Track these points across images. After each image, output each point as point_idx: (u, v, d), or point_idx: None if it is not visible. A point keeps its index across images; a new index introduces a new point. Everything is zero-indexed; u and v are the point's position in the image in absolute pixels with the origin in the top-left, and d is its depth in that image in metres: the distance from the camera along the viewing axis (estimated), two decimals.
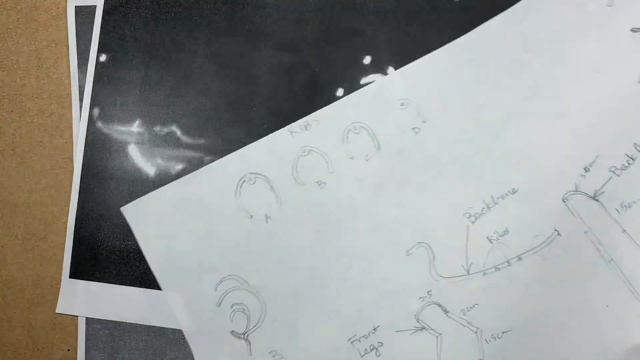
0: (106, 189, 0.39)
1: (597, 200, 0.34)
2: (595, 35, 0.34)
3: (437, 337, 0.35)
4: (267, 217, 0.37)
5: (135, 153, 0.39)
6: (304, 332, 0.36)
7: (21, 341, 0.40)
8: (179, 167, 0.39)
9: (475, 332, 0.34)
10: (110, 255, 0.39)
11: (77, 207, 0.39)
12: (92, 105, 0.39)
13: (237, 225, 0.37)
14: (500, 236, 0.35)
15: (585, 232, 0.34)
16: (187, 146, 0.39)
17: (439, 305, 0.35)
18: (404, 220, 0.36)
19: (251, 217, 0.37)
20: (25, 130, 0.41)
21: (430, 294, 0.35)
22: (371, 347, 0.36)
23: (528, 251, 0.35)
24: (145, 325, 0.39)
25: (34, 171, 0.40)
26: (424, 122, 0.36)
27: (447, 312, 0.35)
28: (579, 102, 0.35)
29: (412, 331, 0.35)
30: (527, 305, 0.34)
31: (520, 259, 0.35)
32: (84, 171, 0.39)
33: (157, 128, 0.39)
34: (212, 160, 0.38)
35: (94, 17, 0.40)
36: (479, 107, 0.36)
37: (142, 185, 0.39)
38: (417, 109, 0.37)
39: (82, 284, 0.39)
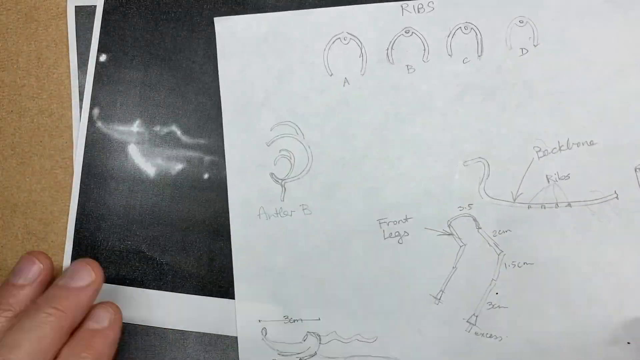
0: (106, 189, 0.39)
1: None
2: None
3: (460, 247, 0.36)
4: (346, 80, 0.38)
5: (135, 153, 0.39)
6: (339, 198, 0.38)
7: None
8: (180, 166, 0.39)
9: (499, 255, 0.36)
10: (110, 256, 0.40)
11: (77, 208, 0.39)
12: (92, 106, 0.39)
13: (314, 77, 0.38)
14: (560, 179, 0.35)
15: None
16: (188, 146, 0.39)
17: (475, 219, 0.36)
18: (474, 131, 0.36)
19: (331, 75, 0.38)
20: (25, 130, 0.40)
21: (470, 207, 0.36)
22: (396, 234, 0.37)
23: (580, 201, 0.35)
24: (145, 326, 0.39)
25: (34, 171, 0.40)
26: (535, 45, 0.36)
27: (480, 228, 0.36)
28: None
29: (440, 233, 0.36)
30: (557, 249, 0.35)
31: (569, 205, 0.35)
32: (84, 171, 0.39)
33: (157, 128, 0.39)
34: (213, 160, 0.39)
35: (94, 17, 0.39)
36: (596, 51, 0.35)
37: (143, 185, 0.39)
38: (534, 31, 0.36)
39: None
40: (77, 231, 0.40)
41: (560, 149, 0.35)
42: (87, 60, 0.40)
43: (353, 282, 0.37)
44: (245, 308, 0.38)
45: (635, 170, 0.35)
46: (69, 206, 0.40)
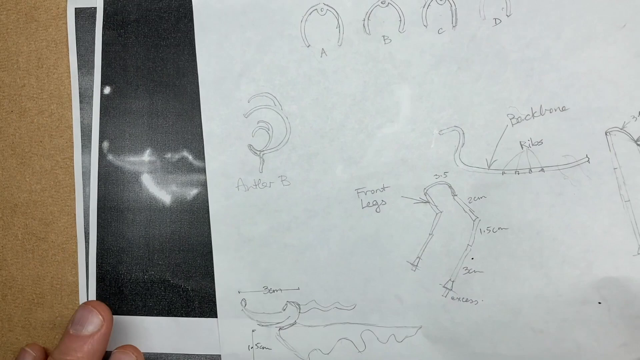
0: (124, 221, 0.40)
1: (638, 144, 0.35)
2: None
3: (437, 214, 0.37)
4: (323, 51, 0.38)
5: (149, 182, 0.40)
6: (317, 168, 0.38)
7: (21, 341, 0.41)
8: (195, 191, 0.40)
9: (474, 220, 0.36)
10: (135, 288, 0.40)
11: (97, 243, 0.40)
12: (101, 139, 0.40)
13: (292, 49, 0.38)
14: (533, 145, 0.36)
15: (614, 169, 0.35)
16: (201, 170, 0.39)
17: (450, 187, 0.37)
18: (450, 100, 0.37)
19: (308, 46, 0.38)
20: (25, 130, 0.40)
21: (446, 175, 0.37)
22: (374, 202, 0.37)
23: (553, 166, 0.36)
24: (177, 354, 0.40)
25: (34, 171, 0.40)
26: (508, 15, 0.36)
27: (455, 195, 0.37)
28: None
29: (416, 201, 0.37)
30: (531, 213, 0.36)
31: (543, 170, 0.36)
32: (100, 206, 0.40)
33: (169, 155, 0.40)
34: None
35: (93, 18, 0.39)
36: (567, 18, 0.36)
37: (160, 214, 0.39)
38: (506, 1, 0.36)
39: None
40: (99, 266, 0.40)
41: (533, 116, 0.36)
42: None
43: (332, 251, 0.38)
44: (224, 279, 0.38)
45: (606, 134, 0.36)
46: (69, 206, 0.40)
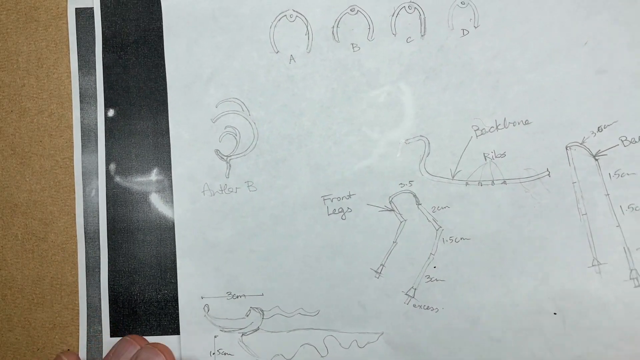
0: (134, 242, 0.40)
1: (596, 159, 0.36)
2: None
3: (401, 222, 0.37)
4: (292, 57, 0.38)
5: (157, 201, 0.40)
6: (284, 174, 0.38)
7: (21, 341, 0.41)
8: None
9: (437, 230, 0.37)
10: (149, 308, 0.40)
11: (109, 265, 0.40)
12: (108, 162, 0.40)
13: (261, 54, 0.38)
14: (496, 157, 0.37)
15: (573, 183, 0.36)
16: None
17: (415, 195, 0.37)
18: (417, 110, 0.37)
19: (277, 52, 0.38)
20: (25, 130, 0.40)
21: (411, 184, 0.37)
22: (340, 210, 0.38)
23: (515, 179, 0.36)
24: None
25: (34, 171, 0.40)
26: (475, 27, 0.37)
27: (420, 204, 0.37)
28: (622, 63, 0.35)
29: (382, 209, 0.37)
30: (493, 224, 0.37)
31: (504, 182, 0.37)
32: (110, 227, 0.40)
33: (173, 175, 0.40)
34: None
35: (93, 19, 0.40)
36: (533, 33, 0.36)
37: (170, 233, 0.40)
38: (475, 12, 0.37)
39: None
40: (111, 288, 0.40)
41: (497, 128, 0.37)
42: (88, 63, 0.40)
43: (297, 257, 0.38)
44: (187, 284, 0.39)
45: (566, 149, 0.36)
46: (69, 206, 0.40)
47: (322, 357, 0.38)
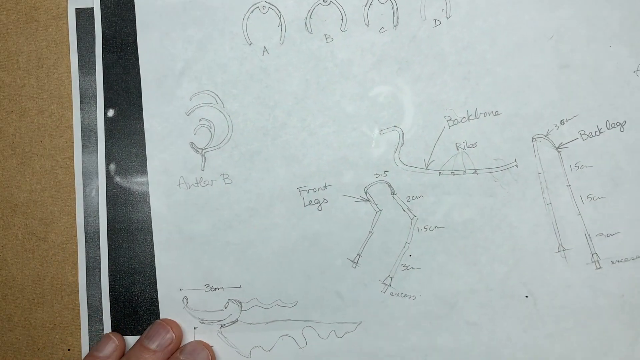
0: (134, 242, 0.40)
1: (559, 151, 0.38)
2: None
3: (376, 212, 0.38)
4: (265, 49, 0.38)
5: None
6: (260, 166, 0.38)
7: (21, 341, 0.41)
8: None
9: (412, 219, 0.38)
10: (150, 307, 0.40)
11: (109, 265, 0.40)
12: (108, 162, 0.40)
13: (234, 47, 0.38)
14: (468, 147, 0.38)
15: (538, 173, 0.38)
16: None
17: (390, 186, 0.38)
18: (390, 101, 0.38)
19: (250, 44, 0.38)
20: (25, 130, 0.41)
21: (386, 174, 0.38)
22: (316, 201, 0.38)
23: (485, 169, 0.38)
24: None
25: (34, 171, 0.41)
26: (448, 17, 0.38)
27: (395, 194, 0.38)
28: (582, 59, 0.37)
29: (357, 200, 0.38)
30: (465, 212, 0.38)
31: (476, 172, 0.38)
32: (110, 227, 0.40)
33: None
34: None
35: (93, 19, 0.40)
36: (502, 25, 0.37)
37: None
38: (447, 3, 0.38)
39: (125, 340, 0.40)
40: (111, 288, 0.40)
41: (469, 119, 0.38)
42: (88, 63, 0.40)
43: (274, 249, 0.38)
44: (166, 277, 0.38)
45: (532, 140, 0.38)
46: (69, 206, 0.40)
47: (300, 348, 0.39)
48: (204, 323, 0.39)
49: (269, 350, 0.39)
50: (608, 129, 0.37)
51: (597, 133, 0.37)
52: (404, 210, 0.38)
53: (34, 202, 0.41)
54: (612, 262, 0.38)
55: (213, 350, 0.39)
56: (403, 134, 0.38)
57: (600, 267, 0.38)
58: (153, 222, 0.39)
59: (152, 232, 0.39)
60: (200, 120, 0.39)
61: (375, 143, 0.38)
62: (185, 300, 0.39)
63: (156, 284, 0.39)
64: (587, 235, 0.38)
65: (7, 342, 0.41)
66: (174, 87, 0.39)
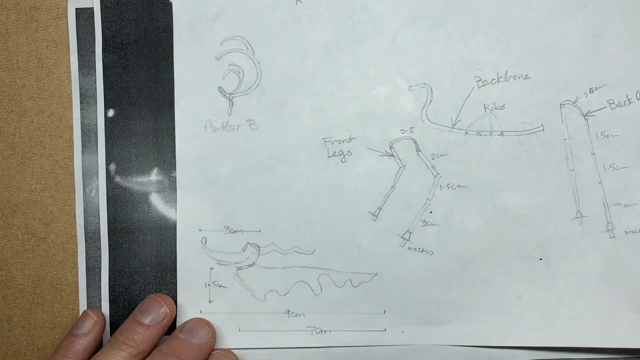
0: (135, 241, 0.40)
1: (586, 119, 0.38)
2: None
3: (400, 168, 0.38)
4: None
5: (158, 201, 0.40)
6: (286, 115, 0.39)
7: (21, 341, 0.41)
8: None
9: (435, 176, 0.38)
10: None
11: (109, 265, 0.40)
12: (108, 162, 0.40)
13: None
14: (496, 108, 0.38)
15: (564, 139, 0.38)
16: None
17: (415, 142, 0.38)
18: (421, 57, 0.39)
19: None
20: (25, 130, 0.41)
21: (412, 130, 0.38)
22: (340, 153, 0.39)
23: (512, 131, 0.38)
24: None
25: (34, 171, 0.41)
26: None
27: (419, 150, 0.38)
28: (615, 29, 0.37)
29: (382, 154, 0.39)
30: (489, 174, 0.38)
31: (502, 134, 0.38)
32: (110, 228, 0.40)
33: (176, 173, 0.40)
34: None
35: (93, 19, 0.40)
36: None
37: (170, 232, 0.40)
38: None
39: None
40: (111, 288, 0.40)
41: (498, 80, 0.38)
42: (88, 63, 0.40)
43: (295, 196, 0.39)
44: (186, 216, 0.39)
45: (561, 106, 0.38)
46: (69, 206, 0.41)
47: (315, 295, 0.39)
48: (221, 264, 0.39)
49: (284, 295, 0.39)
50: (638, 99, 0.38)
51: (627, 103, 0.38)
52: (428, 168, 0.39)
53: (33, 202, 0.41)
54: (626, 233, 0.38)
55: (214, 327, 0.39)
56: (432, 91, 0.39)
57: (614, 237, 0.38)
58: (177, 162, 0.39)
59: (152, 233, 0.40)
60: (229, 65, 0.39)
61: (404, 99, 0.39)
62: (203, 240, 0.39)
63: (156, 284, 0.40)
64: (605, 204, 0.38)
65: (7, 342, 0.42)
66: (206, 31, 0.39)
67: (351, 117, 0.39)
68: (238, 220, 0.39)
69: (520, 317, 0.39)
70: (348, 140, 0.39)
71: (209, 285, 0.39)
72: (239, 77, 0.39)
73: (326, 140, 0.39)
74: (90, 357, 0.38)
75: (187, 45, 0.39)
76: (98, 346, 0.39)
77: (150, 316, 0.37)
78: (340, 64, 0.39)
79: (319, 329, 0.39)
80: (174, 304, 0.39)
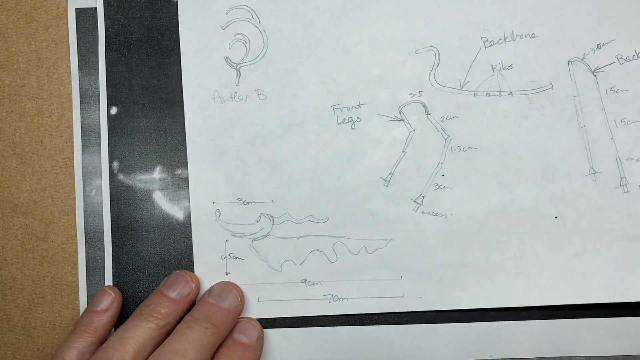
0: (138, 239, 0.40)
1: (595, 75, 0.38)
2: None
3: (410, 132, 0.38)
4: None
5: (161, 199, 0.40)
6: (294, 83, 0.39)
7: (21, 341, 0.41)
8: None
9: (446, 139, 0.38)
10: None
11: (113, 263, 0.40)
12: (111, 160, 0.40)
13: None
14: (504, 69, 0.38)
15: (574, 97, 0.38)
16: None
17: (424, 105, 0.38)
18: (427, 20, 0.39)
19: None
20: (25, 131, 0.41)
21: (421, 94, 0.38)
22: (349, 119, 0.39)
23: (520, 90, 0.38)
24: None
25: (34, 171, 0.41)
26: None
27: (429, 114, 0.38)
28: None
29: (391, 119, 0.38)
30: (499, 133, 0.38)
31: (511, 94, 0.38)
32: (114, 225, 0.40)
33: (179, 171, 0.40)
34: None
35: (94, 19, 0.40)
36: None
37: (174, 230, 0.40)
38: None
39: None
40: (115, 286, 0.40)
41: (505, 40, 0.38)
42: (88, 62, 0.41)
43: (306, 165, 0.39)
44: (199, 190, 0.39)
45: (569, 64, 0.38)
46: (69, 206, 0.41)
47: (331, 263, 0.39)
48: (236, 236, 0.39)
49: (300, 264, 0.39)
50: None
51: (635, 57, 0.38)
52: (438, 130, 0.39)
53: (33, 202, 0.41)
54: None
55: (242, 290, 0.39)
56: (439, 54, 0.39)
57: (627, 191, 0.38)
58: (187, 135, 0.39)
59: (155, 230, 0.40)
60: (235, 34, 0.39)
61: (411, 62, 0.39)
62: (217, 213, 0.39)
63: (160, 282, 0.40)
64: (618, 159, 0.38)
65: (7, 342, 0.42)
66: (211, 0, 0.39)
67: (359, 83, 0.39)
68: (250, 191, 0.39)
69: (538, 276, 0.39)
70: (357, 107, 0.39)
71: (225, 257, 0.39)
72: (245, 46, 0.39)
73: (335, 107, 0.39)
74: (109, 334, 0.37)
75: (192, 15, 0.39)
76: (116, 323, 0.39)
77: (177, 290, 0.38)
78: (346, 30, 0.39)
79: (336, 297, 0.39)
80: (198, 280, 0.39)
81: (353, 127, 0.39)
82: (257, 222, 0.39)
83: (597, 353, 0.39)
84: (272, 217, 0.39)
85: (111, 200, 0.40)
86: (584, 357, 0.39)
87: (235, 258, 0.39)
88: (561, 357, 0.39)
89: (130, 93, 0.40)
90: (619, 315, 0.39)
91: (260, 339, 0.38)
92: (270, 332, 0.39)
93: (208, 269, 0.39)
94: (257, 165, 0.39)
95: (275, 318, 0.39)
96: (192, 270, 0.40)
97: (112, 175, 0.40)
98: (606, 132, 0.38)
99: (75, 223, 0.41)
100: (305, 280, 0.39)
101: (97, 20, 0.40)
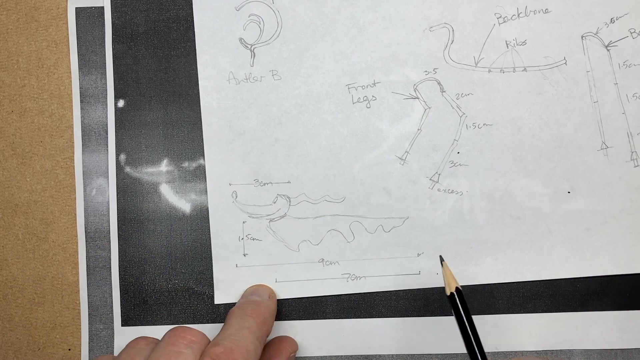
0: (145, 232, 0.42)
1: (608, 50, 0.40)
2: None
3: (425, 110, 0.40)
4: None
5: (168, 192, 0.42)
6: (308, 63, 0.40)
7: (22, 341, 0.43)
8: None
9: (461, 116, 0.40)
10: (159, 297, 0.42)
11: (119, 255, 0.42)
12: (118, 152, 0.42)
13: None
14: (518, 45, 0.40)
15: (587, 71, 0.40)
16: None
17: (439, 83, 0.40)
18: None
19: None
20: (26, 131, 0.42)
21: (435, 71, 0.40)
22: (364, 98, 0.40)
23: (534, 66, 0.40)
24: None
25: (34, 171, 0.42)
26: None
27: (444, 91, 0.40)
28: None
29: (406, 97, 0.40)
30: (514, 110, 0.40)
31: (525, 70, 0.40)
32: (120, 218, 0.42)
33: (186, 164, 0.42)
34: None
35: (94, 19, 0.42)
36: None
37: (180, 223, 0.42)
38: None
39: (135, 330, 0.42)
40: (122, 278, 0.42)
41: (518, 16, 0.39)
42: (88, 62, 0.42)
43: (322, 145, 0.40)
44: (215, 171, 0.40)
45: (582, 38, 0.39)
46: (69, 206, 0.42)
47: (348, 242, 0.41)
48: (253, 217, 0.41)
49: (317, 244, 0.41)
50: None
51: None
52: (453, 108, 0.40)
53: (34, 202, 0.43)
54: None
55: (273, 290, 0.41)
56: (453, 31, 0.40)
57: (638, 165, 0.40)
58: (203, 117, 0.41)
59: (162, 223, 0.42)
60: (249, 15, 0.40)
61: (425, 40, 0.40)
62: (234, 194, 0.40)
63: (166, 274, 0.42)
64: (629, 134, 0.40)
65: (8, 342, 0.43)
66: None
67: (374, 62, 0.40)
68: (267, 172, 0.41)
69: (551, 250, 0.41)
70: (372, 85, 0.40)
71: (242, 238, 0.41)
72: (259, 27, 0.40)
73: (350, 86, 0.40)
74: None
75: None
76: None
77: (262, 296, 0.40)
78: (360, 9, 0.40)
79: (354, 276, 0.41)
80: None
81: (368, 105, 0.40)
82: (274, 203, 0.41)
83: (602, 346, 0.42)
84: (288, 197, 0.41)
85: (118, 193, 0.42)
86: (588, 350, 0.41)
87: (253, 239, 0.41)
88: (565, 349, 0.41)
89: (137, 86, 0.42)
90: (625, 308, 0.42)
91: (273, 298, 0.41)
92: (277, 325, 0.42)
93: (226, 251, 0.41)
94: (273, 146, 0.40)
95: (294, 298, 0.41)
96: (210, 252, 0.42)
97: (119, 167, 0.42)
98: (618, 106, 0.40)
99: (76, 223, 0.43)
100: (323, 260, 0.41)
101: (97, 18, 0.42)
